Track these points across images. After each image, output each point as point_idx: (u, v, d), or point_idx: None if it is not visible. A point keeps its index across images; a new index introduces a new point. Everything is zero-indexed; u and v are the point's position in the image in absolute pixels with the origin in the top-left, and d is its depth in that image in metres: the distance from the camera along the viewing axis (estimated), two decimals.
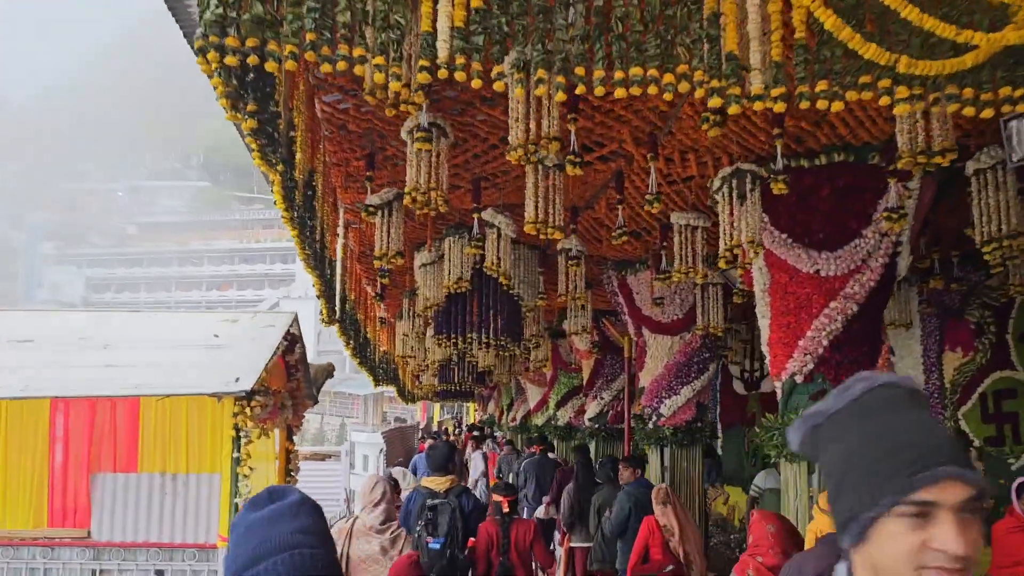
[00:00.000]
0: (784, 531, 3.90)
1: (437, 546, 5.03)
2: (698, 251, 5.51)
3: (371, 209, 4.87)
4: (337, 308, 6.10)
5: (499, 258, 5.59)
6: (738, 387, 11.83)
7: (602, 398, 10.40)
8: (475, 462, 13.07)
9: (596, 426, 10.51)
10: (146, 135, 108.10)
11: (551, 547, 9.00)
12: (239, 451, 4.91)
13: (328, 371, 7.32)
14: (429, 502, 5.25)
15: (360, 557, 4.70)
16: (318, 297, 5.17)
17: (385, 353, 10.53)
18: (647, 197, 4.47)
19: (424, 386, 15.53)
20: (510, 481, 10.87)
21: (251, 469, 5.05)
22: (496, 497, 5.67)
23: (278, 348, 5.33)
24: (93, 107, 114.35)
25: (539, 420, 15.24)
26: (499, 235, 5.62)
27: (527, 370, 14.21)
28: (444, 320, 7.29)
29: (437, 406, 45.96)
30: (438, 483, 5.46)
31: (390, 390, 23.69)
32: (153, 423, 5.36)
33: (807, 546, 3.42)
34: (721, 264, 4.36)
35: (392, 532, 4.77)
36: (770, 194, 4.48)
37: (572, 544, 8.09)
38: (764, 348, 5.00)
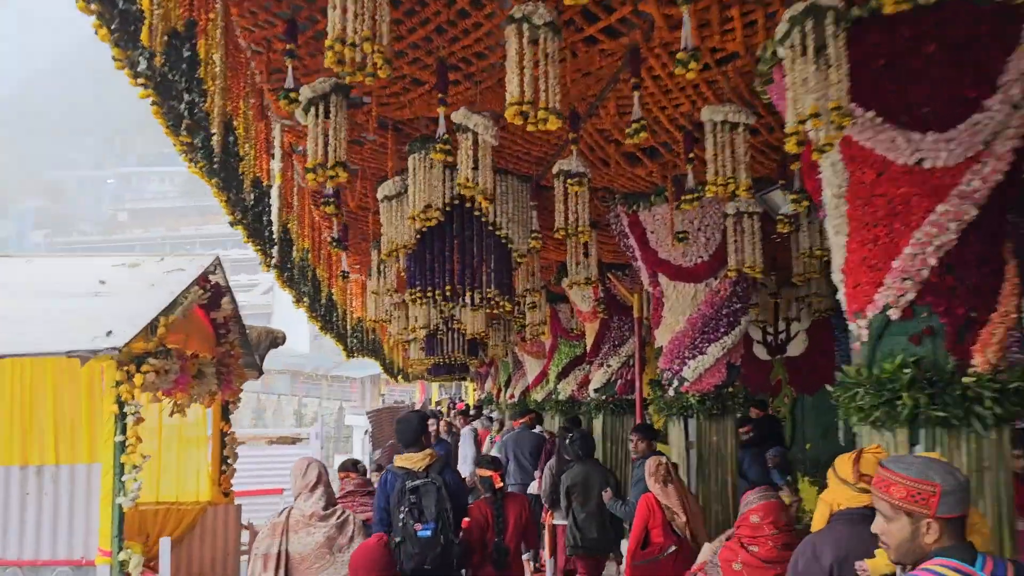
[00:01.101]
0: (777, 518, 3.52)
1: (428, 533, 4.26)
2: (739, 157, 4.18)
3: (293, 98, 3.52)
4: (276, 250, 4.77)
5: (476, 173, 4.25)
6: (760, 352, 10.55)
7: (609, 365, 9.09)
8: (464, 438, 11.88)
9: (602, 398, 9.21)
10: (134, 121, 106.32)
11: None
12: (124, 433, 3.60)
13: (274, 337, 6.00)
14: (409, 484, 4.37)
15: (302, 553, 4.10)
16: (232, 225, 3.87)
17: (359, 320, 9.20)
18: (679, 57, 3.13)
19: (412, 362, 14.24)
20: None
21: (144, 457, 3.74)
22: (485, 472, 4.96)
23: (184, 297, 3.99)
24: (80, 94, 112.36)
25: (538, 395, 13.98)
26: (475, 142, 4.27)
27: (523, 340, 12.90)
28: (417, 270, 5.96)
29: (435, 386, 44.83)
30: (414, 460, 4.50)
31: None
32: (8, 399, 4.04)
33: (816, 519, 2.90)
34: (790, 147, 3.02)
35: (338, 517, 4.20)
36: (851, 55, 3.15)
37: (555, 522, 7.10)
38: (836, 278, 3.68)
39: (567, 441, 6.54)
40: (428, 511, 4.30)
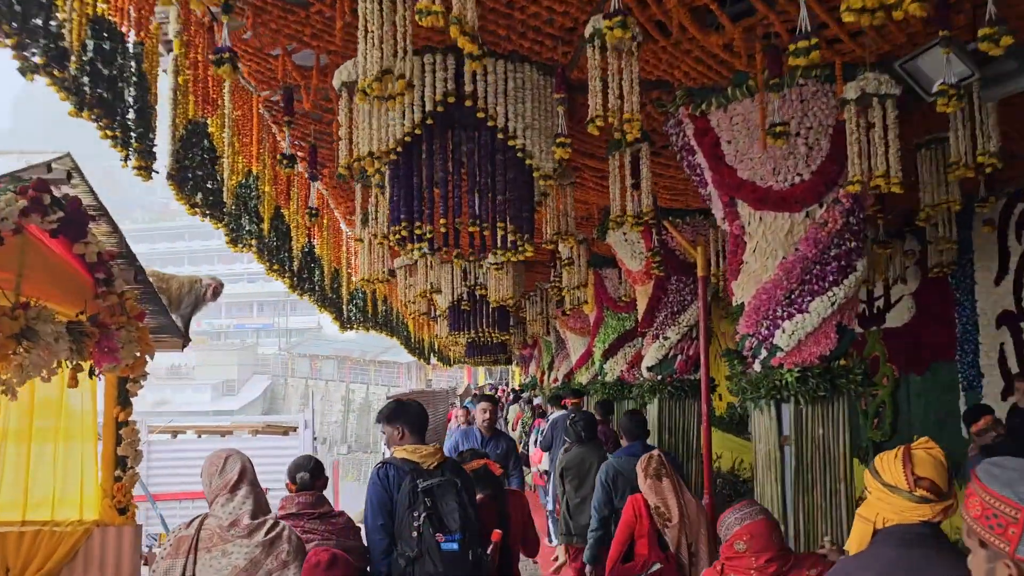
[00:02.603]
0: (767, 543, 2.83)
1: (455, 546, 3.43)
2: None
3: None
4: (167, 151, 3.18)
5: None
6: None
7: (666, 338, 7.32)
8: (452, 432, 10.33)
9: (658, 378, 7.46)
10: None
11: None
12: None
13: (203, 289, 4.40)
14: (422, 483, 3.46)
15: None
16: (23, 72, 2.27)
17: (358, 284, 7.56)
18: None
19: (443, 340, 12.69)
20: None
21: None
22: (474, 465, 4.15)
23: None
24: None
25: (583, 377, 12.31)
26: None
27: (564, 314, 11.21)
28: (402, 198, 4.33)
29: (481, 370, 43.47)
30: (423, 454, 3.54)
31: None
32: None
33: (852, 540, 2.19)
34: None
35: (267, 532, 3.03)
36: None
37: None
38: None
39: (568, 422, 5.97)
40: (451, 519, 3.41)
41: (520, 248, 4.60)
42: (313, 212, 5.00)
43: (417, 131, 4.09)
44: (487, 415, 6.17)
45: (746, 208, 4.47)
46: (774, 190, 4.31)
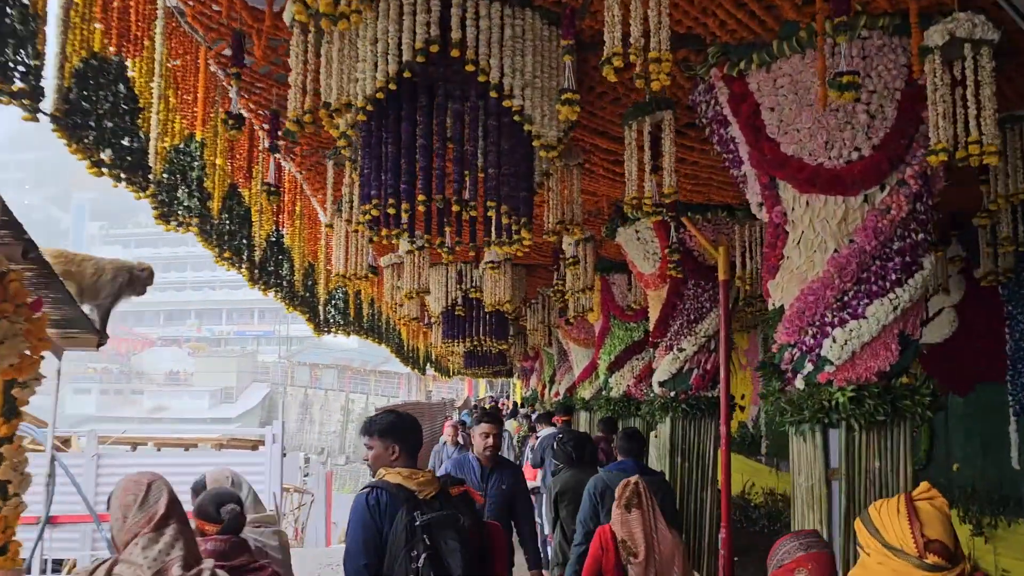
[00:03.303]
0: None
1: None
2: None
3: None
4: (55, 79, 2.44)
5: None
6: None
7: (681, 349, 6.53)
8: (438, 453, 9.38)
9: (671, 394, 6.66)
10: None
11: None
12: None
13: (124, 279, 3.62)
14: (421, 517, 2.90)
15: None
16: None
17: (340, 283, 6.76)
18: None
19: (437, 348, 11.92)
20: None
21: None
22: (457, 491, 3.52)
23: None
24: None
25: (586, 392, 11.53)
26: None
27: (567, 323, 10.43)
28: (373, 171, 3.57)
29: (483, 383, 42.59)
30: (421, 481, 2.99)
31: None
32: None
33: None
34: None
35: None
36: None
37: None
38: None
39: (556, 443, 5.40)
40: (454, 561, 2.89)
41: (516, 236, 3.84)
42: (271, 189, 4.24)
43: (391, 87, 3.34)
44: (489, 440, 4.54)
45: (790, 191, 3.70)
46: (826, 168, 3.54)
